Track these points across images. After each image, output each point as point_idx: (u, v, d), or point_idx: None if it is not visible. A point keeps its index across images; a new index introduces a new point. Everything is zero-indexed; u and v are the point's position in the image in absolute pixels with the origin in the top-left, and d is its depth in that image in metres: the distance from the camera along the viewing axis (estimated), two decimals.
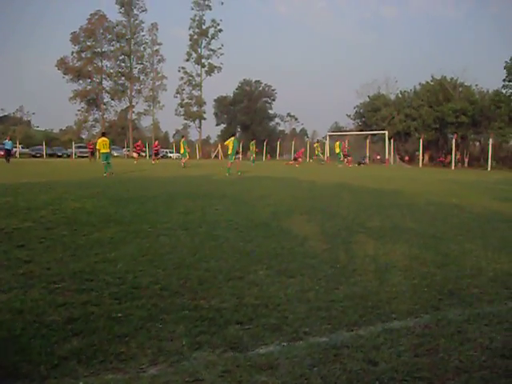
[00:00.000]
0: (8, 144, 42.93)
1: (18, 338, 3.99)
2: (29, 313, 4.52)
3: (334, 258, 6.94)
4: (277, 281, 5.75)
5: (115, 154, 78.64)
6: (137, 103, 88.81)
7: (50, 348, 3.81)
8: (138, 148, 49.76)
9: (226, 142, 28.55)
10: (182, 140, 37.83)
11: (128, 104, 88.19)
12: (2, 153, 46.06)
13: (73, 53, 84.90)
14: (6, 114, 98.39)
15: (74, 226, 8.94)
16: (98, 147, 27.36)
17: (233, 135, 29.56)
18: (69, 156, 73.25)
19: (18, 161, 47.00)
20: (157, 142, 53.05)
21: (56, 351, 3.75)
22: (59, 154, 73.57)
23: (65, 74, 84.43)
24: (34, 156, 69.62)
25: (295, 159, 49.92)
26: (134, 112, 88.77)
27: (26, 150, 72.67)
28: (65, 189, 16.16)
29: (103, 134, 28.76)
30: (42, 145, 71.28)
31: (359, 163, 54.74)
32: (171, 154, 78.18)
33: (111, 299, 4.94)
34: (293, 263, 6.59)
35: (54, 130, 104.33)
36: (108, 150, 26.80)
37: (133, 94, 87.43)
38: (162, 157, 59.60)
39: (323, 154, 54.13)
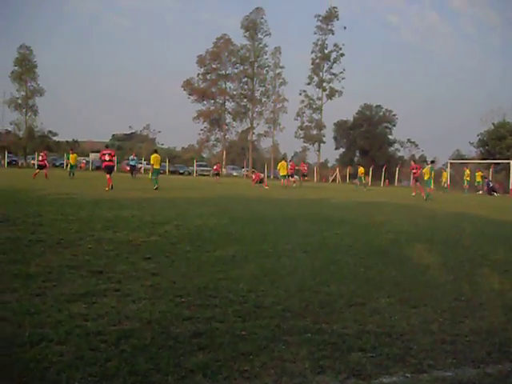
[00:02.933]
0: (133, 160, 45.09)
1: (148, 347, 4.16)
2: (157, 324, 4.72)
3: (458, 290, 6.72)
4: (399, 310, 5.65)
5: (234, 174, 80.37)
6: (257, 125, 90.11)
7: (178, 360, 3.94)
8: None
9: (423, 170, 28.75)
10: (282, 162, 38.59)
11: (249, 125, 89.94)
12: (128, 168, 48.46)
13: (198, 74, 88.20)
14: (133, 131, 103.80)
15: (197, 242, 9.25)
16: (152, 162, 28.17)
17: (431, 162, 29.40)
18: (190, 174, 75.66)
19: (142, 176, 49.00)
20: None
21: (183, 363, 3.88)
22: (181, 171, 76.24)
23: (190, 94, 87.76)
24: None
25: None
26: (254, 133, 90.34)
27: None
28: (187, 205, 16.74)
29: (155, 151, 29.86)
30: (164, 162, 74.26)
31: (491, 191, 49.28)
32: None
33: (235, 317, 5.06)
34: (415, 292, 6.45)
35: (177, 148, 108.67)
36: (159, 167, 29.10)
37: (254, 115, 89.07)
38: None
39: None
